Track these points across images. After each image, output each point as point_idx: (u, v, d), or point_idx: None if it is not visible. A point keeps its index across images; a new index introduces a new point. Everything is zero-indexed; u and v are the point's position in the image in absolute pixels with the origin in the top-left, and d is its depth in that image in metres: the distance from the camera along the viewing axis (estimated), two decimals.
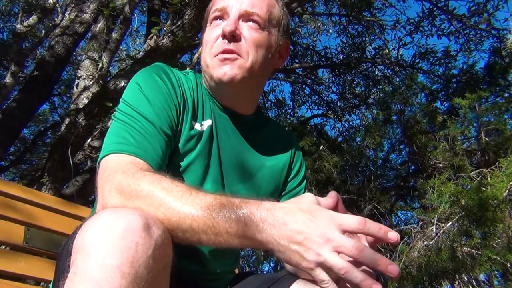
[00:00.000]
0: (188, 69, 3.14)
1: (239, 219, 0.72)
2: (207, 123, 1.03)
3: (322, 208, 0.73)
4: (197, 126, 1.01)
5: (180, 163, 0.98)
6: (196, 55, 3.19)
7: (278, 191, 1.14)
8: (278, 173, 1.13)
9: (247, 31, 0.99)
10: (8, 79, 4.89)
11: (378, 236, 0.70)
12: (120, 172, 0.81)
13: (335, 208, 0.77)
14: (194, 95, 1.04)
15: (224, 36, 0.97)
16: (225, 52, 0.97)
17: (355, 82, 7.48)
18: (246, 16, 0.99)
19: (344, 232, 0.69)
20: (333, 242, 0.67)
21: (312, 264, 0.68)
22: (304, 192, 1.20)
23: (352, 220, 0.69)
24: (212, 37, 1.00)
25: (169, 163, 0.94)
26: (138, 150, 0.85)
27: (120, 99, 0.97)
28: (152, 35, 3.37)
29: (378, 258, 0.67)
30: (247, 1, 0.99)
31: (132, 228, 0.65)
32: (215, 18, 1.01)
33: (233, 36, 0.97)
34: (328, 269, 0.67)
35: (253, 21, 1.00)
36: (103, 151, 0.87)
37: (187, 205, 0.74)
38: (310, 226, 0.69)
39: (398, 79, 7.13)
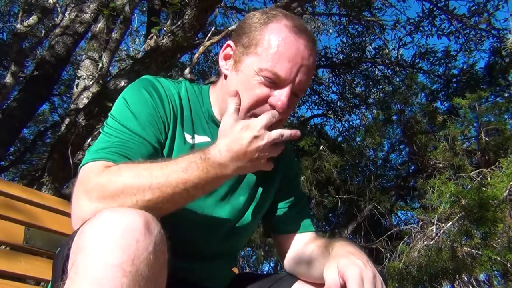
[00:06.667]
0: (188, 69, 3.14)
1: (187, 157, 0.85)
2: (202, 138, 1.03)
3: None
4: (188, 138, 1.01)
5: None
6: (196, 55, 3.19)
7: (275, 194, 1.15)
8: (275, 180, 1.14)
9: (291, 104, 0.98)
10: (8, 79, 4.88)
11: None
12: (92, 175, 0.83)
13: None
14: (185, 107, 1.04)
15: (273, 108, 0.95)
16: None
17: (355, 82, 7.48)
18: (295, 92, 0.98)
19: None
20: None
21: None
22: (299, 192, 1.20)
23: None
24: (259, 94, 0.96)
25: None
26: (110, 155, 0.87)
27: (109, 113, 0.98)
28: (152, 35, 3.37)
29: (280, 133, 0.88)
30: (303, 80, 0.96)
31: (132, 226, 0.66)
32: (269, 79, 0.94)
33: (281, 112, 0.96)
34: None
35: (298, 96, 1.00)
36: (82, 162, 0.90)
37: (142, 177, 0.81)
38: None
39: (398, 79, 7.13)
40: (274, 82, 0.94)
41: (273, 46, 0.94)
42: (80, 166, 0.89)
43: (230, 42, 1.03)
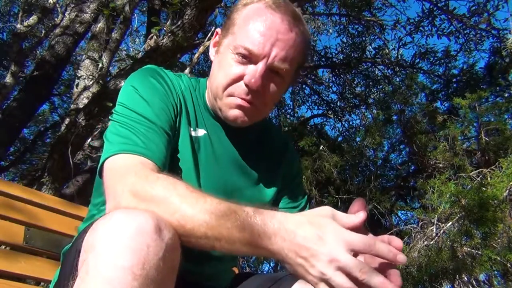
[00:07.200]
0: (188, 69, 3.14)
1: (253, 230, 0.72)
2: (202, 131, 1.02)
3: (333, 223, 0.72)
4: (192, 131, 1.01)
5: (177, 166, 0.97)
6: (197, 55, 3.19)
7: (277, 193, 1.14)
8: (277, 179, 1.13)
9: (271, 84, 0.95)
10: (8, 79, 4.88)
11: (387, 258, 0.70)
12: (132, 173, 0.80)
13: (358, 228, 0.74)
14: (187, 99, 1.03)
15: (247, 86, 0.92)
16: (243, 100, 0.94)
17: (355, 82, 7.48)
18: (274, 70, 0.94)
19: (352, 251, 0.68)
20: (338, 261, 0.67)
21: (316, 280, 0.69)
22: (300, 191, 1.20)
23: (361, 240, 0.68)
24: (234, 72, 0.93)
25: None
26: (145, 150, 0.85)
27: (117, 103, 0.96)
28: (152, 35, 3.38)
29: (382, 282, 0.67)
30: (280, 55, 0.92)
31: (143, 230, 0.65)
32: (242, 55, 0.92)
33: (256, 90, 0.93)
34: (332, 286, 0.68)
35: (280, 75, 0.95)
36: (109, 151, 0.86)
37: (202, 213, 0.73)
38: (317, 243, 0.69)
39: (398, 79, 7.13)
40: (248, 58, 0.92)
41: (246, 22, 0.93)
42: (107, 156, 0.85)
43: (218, 30, 1.04)
